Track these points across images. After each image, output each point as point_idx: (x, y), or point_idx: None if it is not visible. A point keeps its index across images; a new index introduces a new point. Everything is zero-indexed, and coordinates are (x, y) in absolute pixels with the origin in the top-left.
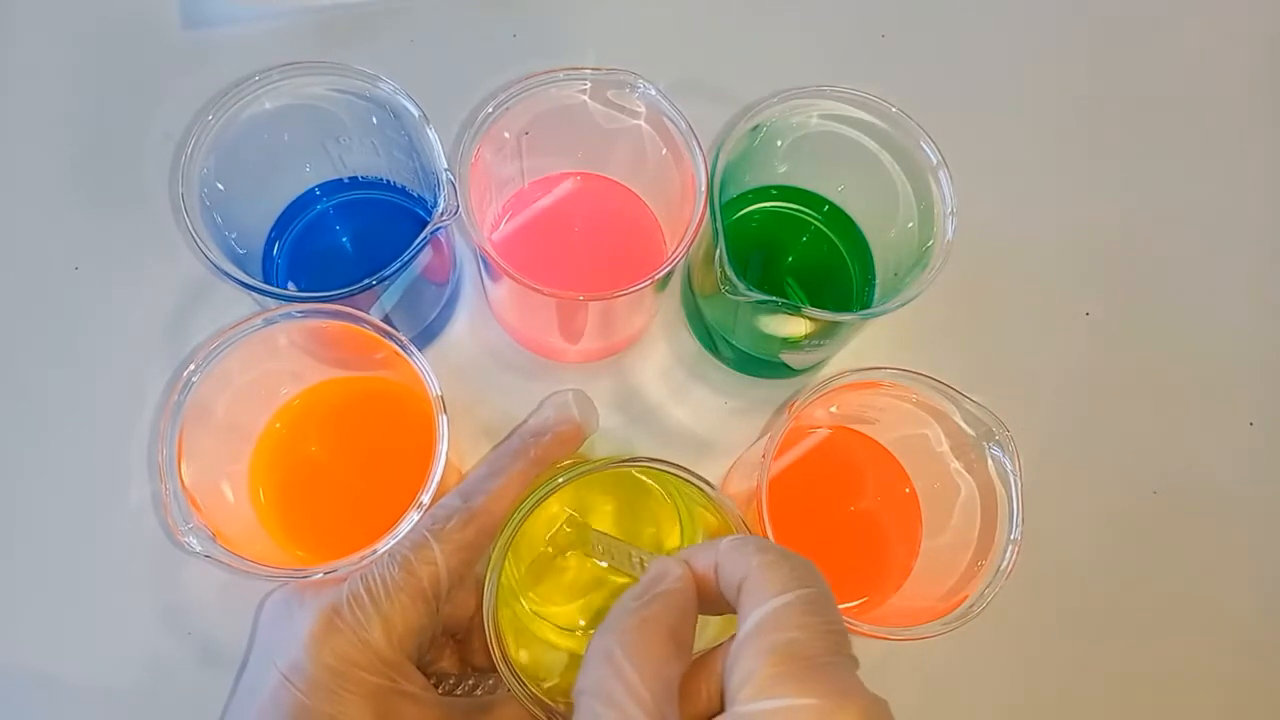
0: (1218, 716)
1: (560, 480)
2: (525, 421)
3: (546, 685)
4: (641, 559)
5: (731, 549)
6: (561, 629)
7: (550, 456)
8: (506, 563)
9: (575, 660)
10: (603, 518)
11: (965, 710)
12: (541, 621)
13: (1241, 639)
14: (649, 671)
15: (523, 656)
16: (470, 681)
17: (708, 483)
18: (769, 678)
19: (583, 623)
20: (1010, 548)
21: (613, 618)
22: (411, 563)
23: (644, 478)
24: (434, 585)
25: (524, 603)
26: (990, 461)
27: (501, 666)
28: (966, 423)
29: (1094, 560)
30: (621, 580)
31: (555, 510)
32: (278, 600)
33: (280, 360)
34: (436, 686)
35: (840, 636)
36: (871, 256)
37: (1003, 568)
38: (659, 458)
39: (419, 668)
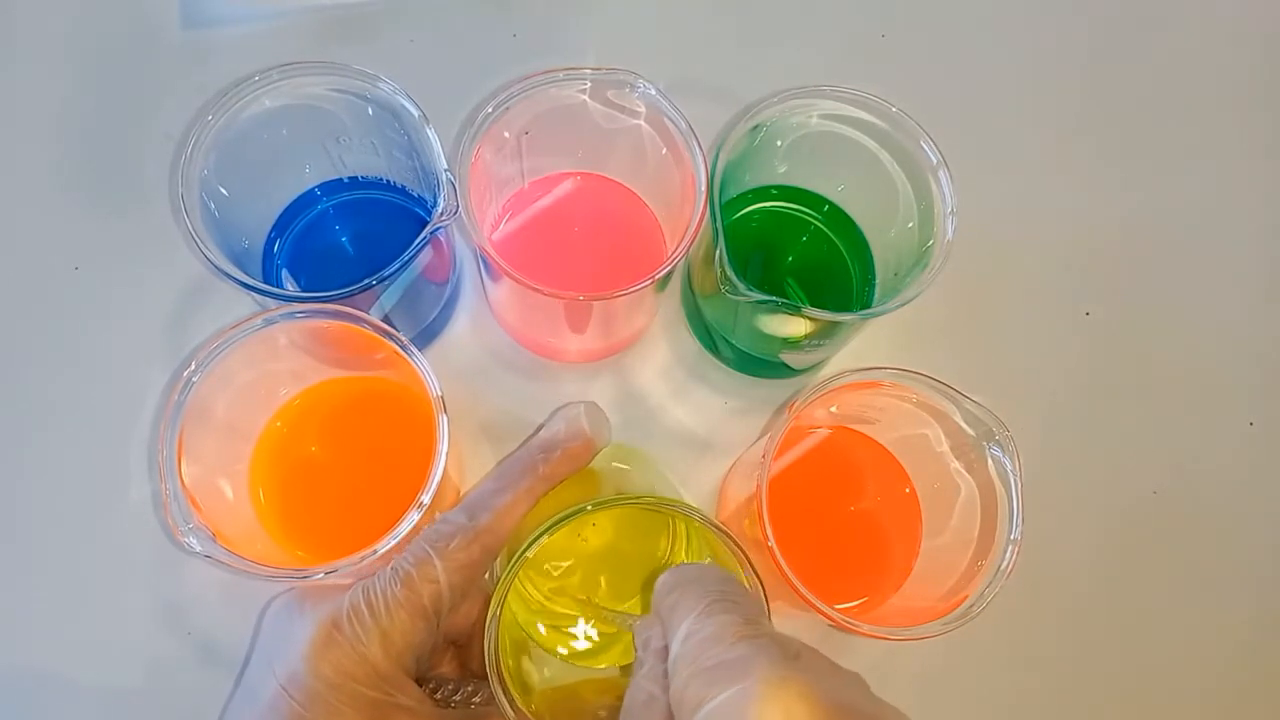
0: (1217, 716)
1: (567, 516)
2: (535, 433)
3: (544, 704)
4: (628, 622)
5: (656, 599)
6: (569, 633)
7: (559, 473)
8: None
9: (574, 671)
10: (606, 534)
11: (965, 710)
12: (546, 631)
13: (1241, 639)
14: None
15: (522, 663)
16: (469, 688)
17: (713, 522)
18: (691, 699)
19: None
20: (1010, 548)
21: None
22: (414, 579)
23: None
24: (435, 603)
25: (528, 598)
26: (990, 461)
27: (500, 696)
28: (966, 423)
29: (1094, 560)
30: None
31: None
32: (279, 607)
33: (280, 360)
34: (435, 692)
35: (746, 625)
36: (871, 256)
37: (1003, 568)
38: (667, 499)
39: (418, 673)
